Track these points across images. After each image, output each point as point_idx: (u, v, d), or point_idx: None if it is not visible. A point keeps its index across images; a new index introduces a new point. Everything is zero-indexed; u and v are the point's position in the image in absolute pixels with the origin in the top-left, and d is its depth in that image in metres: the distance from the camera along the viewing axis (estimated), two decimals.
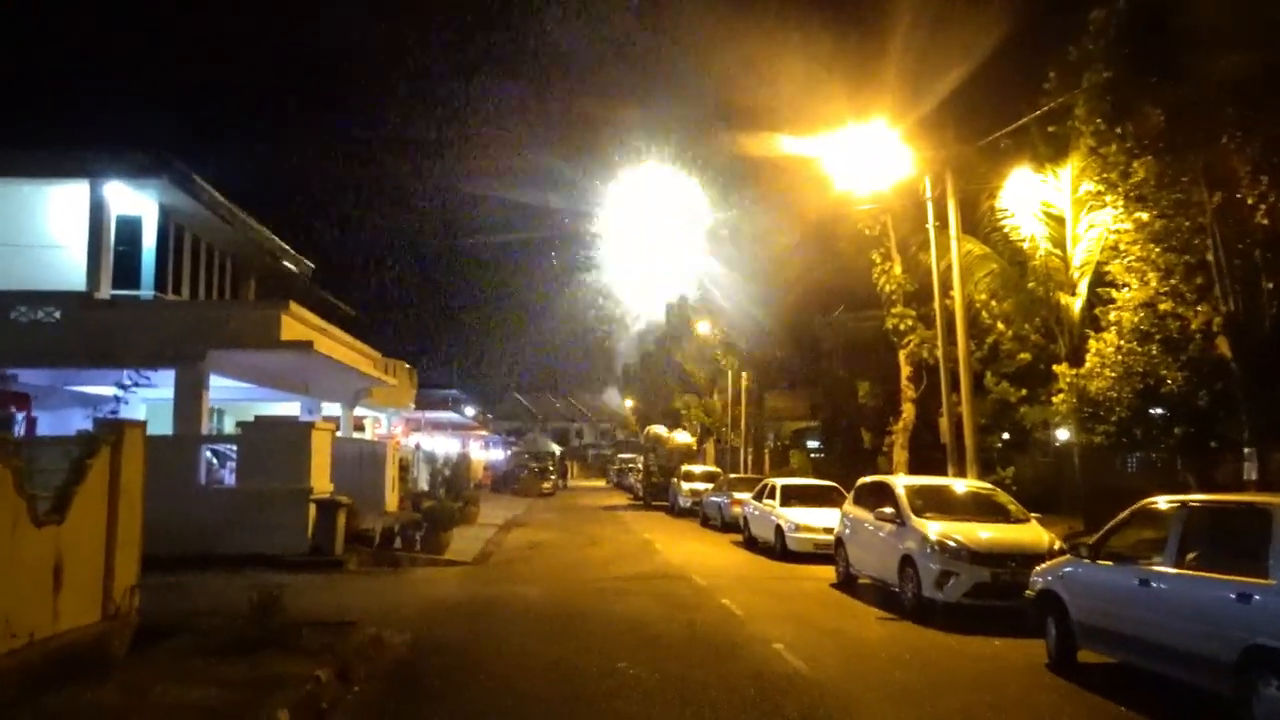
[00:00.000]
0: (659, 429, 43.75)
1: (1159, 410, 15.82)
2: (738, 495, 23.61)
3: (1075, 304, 17.83)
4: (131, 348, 15.77)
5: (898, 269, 22.27)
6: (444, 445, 41.64)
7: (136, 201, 18.91)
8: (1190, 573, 7.20)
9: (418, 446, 33.45)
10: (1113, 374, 15.41)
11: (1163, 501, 8.12)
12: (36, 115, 61.79)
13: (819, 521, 17.24)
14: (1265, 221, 13.30)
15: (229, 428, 23.68)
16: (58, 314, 16.91)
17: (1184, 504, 7.80)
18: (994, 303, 19.25)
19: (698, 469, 34.58)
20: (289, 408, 22.96)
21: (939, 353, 18.89)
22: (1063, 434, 21.03)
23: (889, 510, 12.73)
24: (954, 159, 18.07)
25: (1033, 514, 12.93)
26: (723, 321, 35.51)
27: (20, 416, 17.45)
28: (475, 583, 14.30)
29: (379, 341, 28.41)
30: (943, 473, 17.68)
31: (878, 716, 7.33)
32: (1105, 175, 15.11)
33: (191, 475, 15.44)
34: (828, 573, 15.03)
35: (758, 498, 20.67)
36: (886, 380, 25.02)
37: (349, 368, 21.38)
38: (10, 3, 56.01)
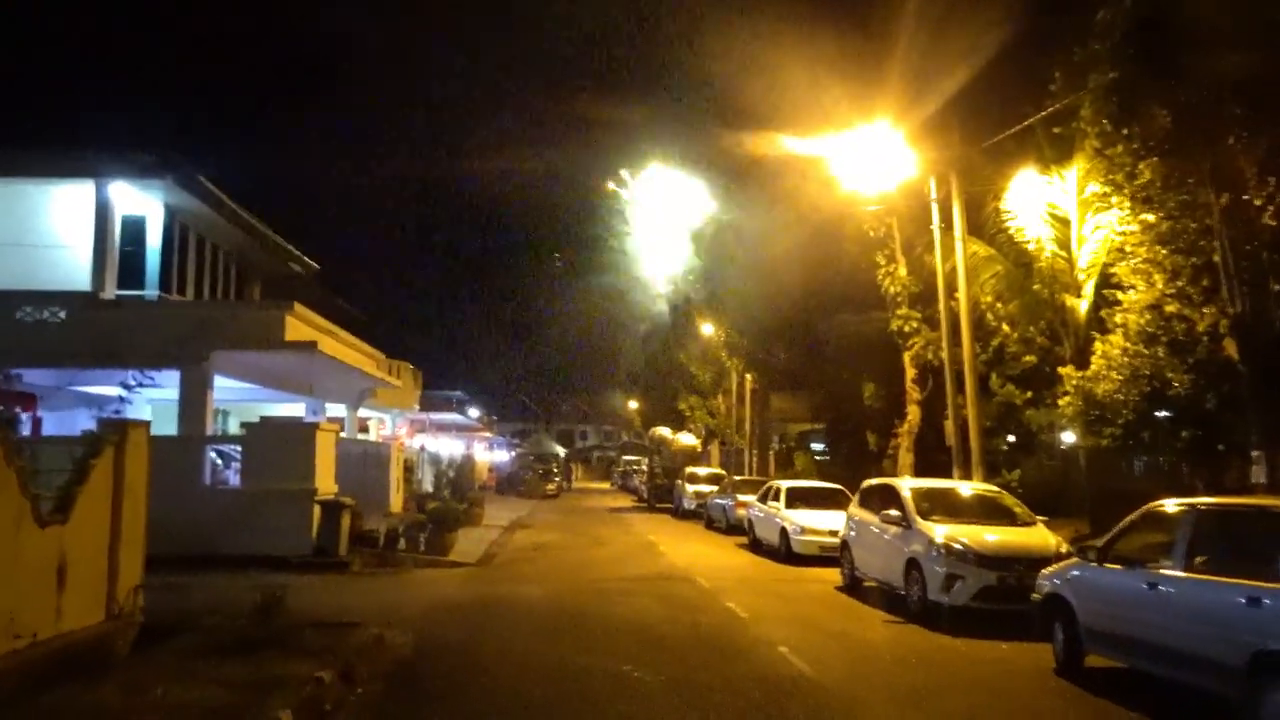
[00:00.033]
0: (663, 431, 43.71)
1: (1165, 413, 15.76)
2: (742, 497, 23.56)
3: (1081, 306, 17.76)
4: (136, 348, 15.79)
5: (903, 270, 22.20)
6: (448, 447, 41.61)
7: (142, 201, 18.94)
8: (1199, 576, 7.15)
9: (422, 448, 33.43)
10: (1119, 376, 15.35)
11: (1170, 504, 8.06)
12: (37, 115, 62.03)
13: (824, 524, 17.20)
14: (1273, 222, 13.24)
15: (234, 428, 23.69)
16: (63, 314, 16.94)
17: (1192, 507, 7.74)
18: (999, 305, 19.19)
19: (702, 471, 34.53)
20: (294, 409, 22.97)
21: (944, 355, 18.83)
22: (1068, 437, 20.96)
23: (894, 513, 12.68)
24: (959, 160, 18.02)
25: (1039, 517, 12.87)
26: (727, 323, 35.45)
27: (26, 417, 17.48)
28: (479, 584, 14.28)
29: (383, 342, 28.42)
30: (948, 475, 17.62)
31: None
32: (1111, 177, 15.06)
33: (196, 476, 15.43)
34: (833, 575, 14.99)
35: (762, 500, 20.62)
36: (891, 382, 24.95)
37: (353, 369, 21.39)
38: (10, 3, 56.17)
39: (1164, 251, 14.39)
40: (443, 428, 45.68)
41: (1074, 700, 8.00)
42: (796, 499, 19.15)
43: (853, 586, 14.08)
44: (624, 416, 76.41)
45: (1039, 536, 11.89)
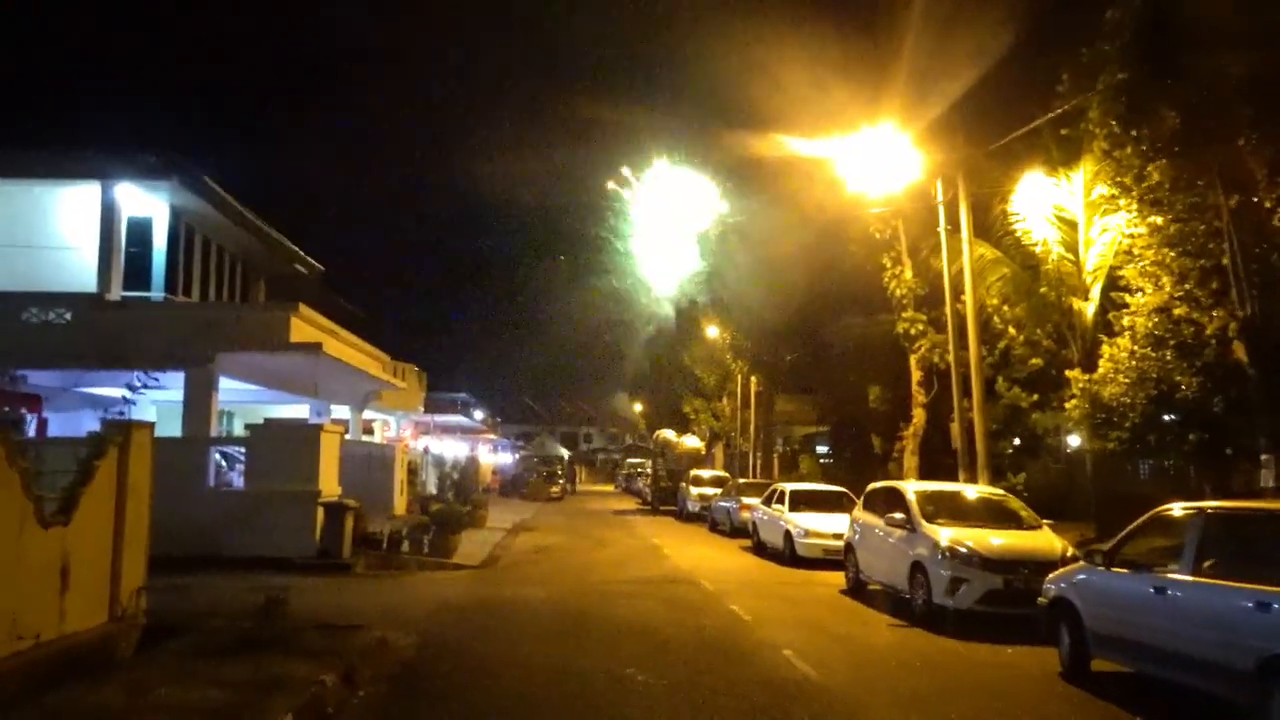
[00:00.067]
0: (668, 433, 43.70)
1: (1172, 416, 15.67)
2: (746, 500, 23.52)
3: (1088, 309, 17.70)
4: (141, 349, 15.79)
5: (909, 273, 22.15)
6: (452, 449, 41.61)
7: (147, 203, 18.97)
8: (1207, 581, 7.09)
9: (426, 450, 33.45)
10: (1126, 379, 15.28)
11: (1179, 508, 8.01)
12: (38, 115, 62.19)
13: (828, 527, 17.15)
14: None
15: (238, 430, 23.69)
16: (68, 315, 16.96)
17: (1201, 511, 7.68)
18: (1006, 307, 19.13)
19: (706, 474, 34.50)
20: (298, 410, 22.98)
21: (950, 358, 18.78)
22: (1074, 440, 20.89)
23: (899, 516, 12.63)
24: (965, 162, 17.96)
25: (1045, 520, 12.81)
26: (732, 325, 35.42)
27: (31, 418, 17.50)
28: (483, 586, 14.25)
29: (388, 344, 28.44)
30: (953, 478, 17.56)
31: None
32: (1119, 178, 14.99)
33: (200, 477, 15.44)
34: (837, 578, 14.94)
35: (766, 503, 20.58)
36: (896, 385, 24.88)
37: (358, 370, 21.38)
38: (10, 2, 56.36)
39: (1172, 254, 14.32)
40: (447, 430, 45.68)
41: (1081, 705, 7.94)
42: (801, 502, 19.10)
43: (857, 590, 14.03)
44: (628, 419, 76.38)
45: (1045, 540, 11.84)
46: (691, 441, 43.45)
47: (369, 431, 31.16)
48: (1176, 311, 14.53)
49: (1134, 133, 14.26)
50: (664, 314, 46.12)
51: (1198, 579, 7.19)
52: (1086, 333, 17.65)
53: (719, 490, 29.37)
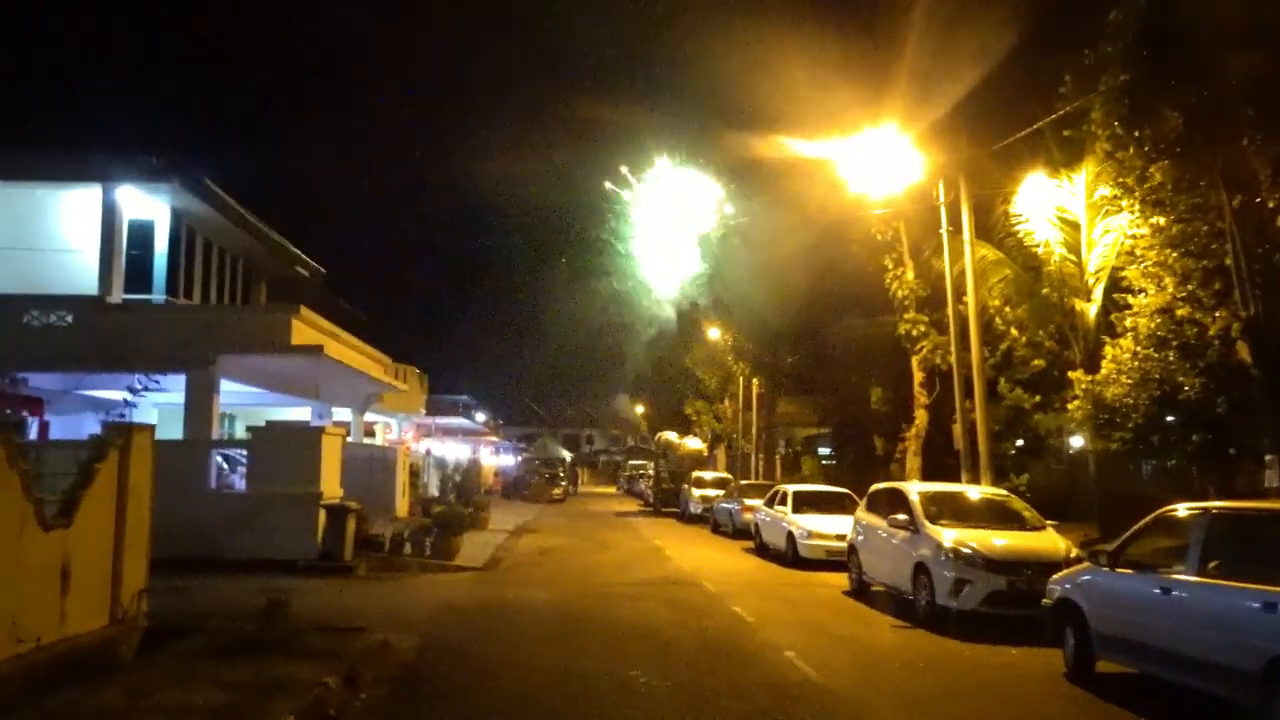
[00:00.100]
0: (670, 435, 43.66)
1: (1175, 417, 15.64)
2: (749, 501, 23.49)
3: (1090, 310, 17.67)
4: (143, 352, 15.78)
5: (910, 274, 22.12)
6: (454, 451, 41.59)
7: (149, 205, 18.96)
8: (1213, 581, 7.06)
9: (428, 452, 33.45)
10: (1129, 380, 15.25)
11: (1183, 509, 7.98)
12: (37, 115, 62.19)
13: (831, 528, 17.11)
14: None
15: (240, 432, 23.69)
16: (70, 318, 16.93)
17: (1205, 511, 7.65)
18: (1008, 309, 19.09)
19: (708, 475, 34.49)
20: (300, 413, 22.97)
21: (952, 359, 18.75)
22: (1077, 441, 20.86)
23: (903, 517, 12.60)
24: (967, 163, 17.94)
25: (1048, 521, 12.77)
26: (733, 327, 35.41)
27: (33, 421, 17.50)
28: (485, 588, 14.23)
29: (389, 346, 28.41)
30: (956, 480, 17.53)
31: None
32: (1121, 179, 14.96)
33: (201, 479, 15.42)
34: (840, 580, 14.91)
35: (769, 504, 20.54)
36: (898, 386, 24.85)
37: (360, 373, 21.37)
38: (10, 3, 56.39)
39: (1175, 255, 14.29)
40: (449, 432, 45.68)
41: (1085, 706, 7.91)
42: (803, 503, 19.07)
43: (860, 591, 14.00)
44: (630, 421, 76.38)
45: (1048, 541, 11.80)
46: (693, 443, 43.41)
47: (370, 434, 31.15)
48: (1179, 312, 14.50)
49: (1136, 134, 14.23)
50: (665, 316, 46.12)
51: (1203, 580, 7.16)
52: (1089, 334, 17.62)
53: (721, 492, 29.34)
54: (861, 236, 22.97)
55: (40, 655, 6.60)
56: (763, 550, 20.27)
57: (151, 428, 8.88)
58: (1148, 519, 8.37)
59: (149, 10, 79.20)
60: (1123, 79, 14.22)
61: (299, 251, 25.03)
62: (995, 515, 12.66)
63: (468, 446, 46.54)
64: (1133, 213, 15.07)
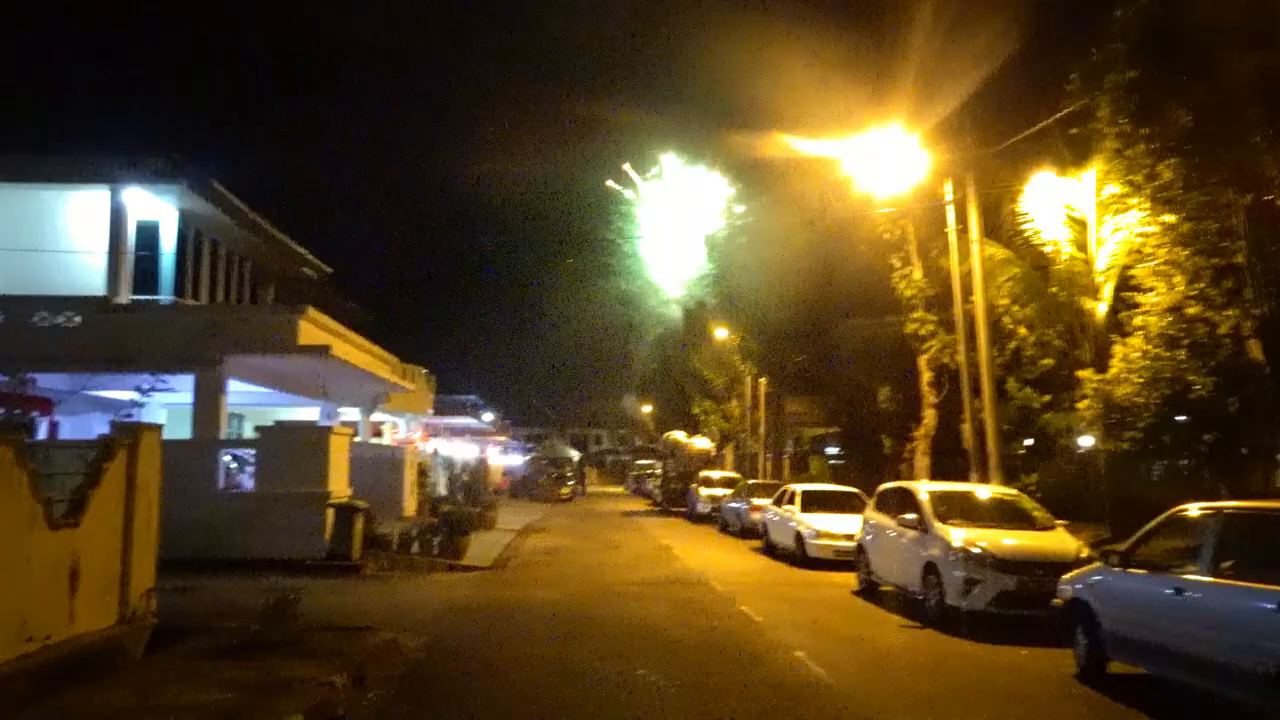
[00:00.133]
0: (677, 434, 43.65)
1: (1185, 417, 15.55)
2: (757, 501, 23.45)
3: (1099, 308, 17.55)
4: (151, 352, 15.81)
5: (918, 273, 22.03)
6: (462, 450, 41.66)
7: (156, 206, 19.03)
8: (1226, 582, 7.00)
9: (436, 451, 33.47)
10: (1139, 379, 15.15)
11: (1196, 509, 7.91)
12: (43, 117, 62.42)
13: (840, 528, 17.06)
14: None
15: (248, 432, 23.74)
16: (78, 319, 17.00)
17: (1218, 511, 7.59)
18: (1016, 308, 18.98)
19: (716, 475, 34.44)
20: (308, 412, 23.02)
21: (960, 358, 18.67)
22: (1087, 441, 20.74)
23: (912, 516, 12.55)
24: (975, 162, 17.85)
25: (1059, 521, 12.70)
26: (740, 327, 35.35)
27: (43, 421, 17.53)
28: (492, 587, 14.23)
29: (397, 346, 28.45)
30: (964, 479, 17.44)
31: None
32: (1130, 177, 14.89)
33: (209, 479, 15.45)
34: (849, 580, 14.86)
35: (777, 504, 20.50)
36: (906, 386, 24.74)
37: (367, 372, 21.39)
38: (11, 3, 56.59)
39: (1185, 253, 14.20)
40: (456, 432, 45.75)
41: (1097, 707, 7.85)
42: (812, 503, 19.02)
43: (869, 591, 13.95)
44: (638, 420, 76.33)
45: (1059, 540, 11.74)
46: (701, 443, 43.37)
47: (378, 434, 31.19)
48: (1189, 311, 14.40)
49: (1145, 131, 14.17)
50: (672, 316, 46.15)
51: (1216, 580, 7.09)
52: (1098, 333, 17.50)
53: (729, 491, 29.29)
54: (868, 236, 22.88)
55: (49, 654, 6.61)
56: (771, 550, 20.23)
57: (159, 427, 8.89)
58: (1159, 519, 8.31)
59: (153, 12, 79.49)
60: (1130, 76, 14.16)
61: (306, 252, 25.09)
62: (1005, 515, 12.59)
63: (475, 446, 46.60)
64: (1142, 210, 14.98)
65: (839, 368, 29.55)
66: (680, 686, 7.97)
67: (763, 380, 36.34)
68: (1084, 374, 16.79)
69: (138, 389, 11.32)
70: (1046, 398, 20.65)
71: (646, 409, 68.03)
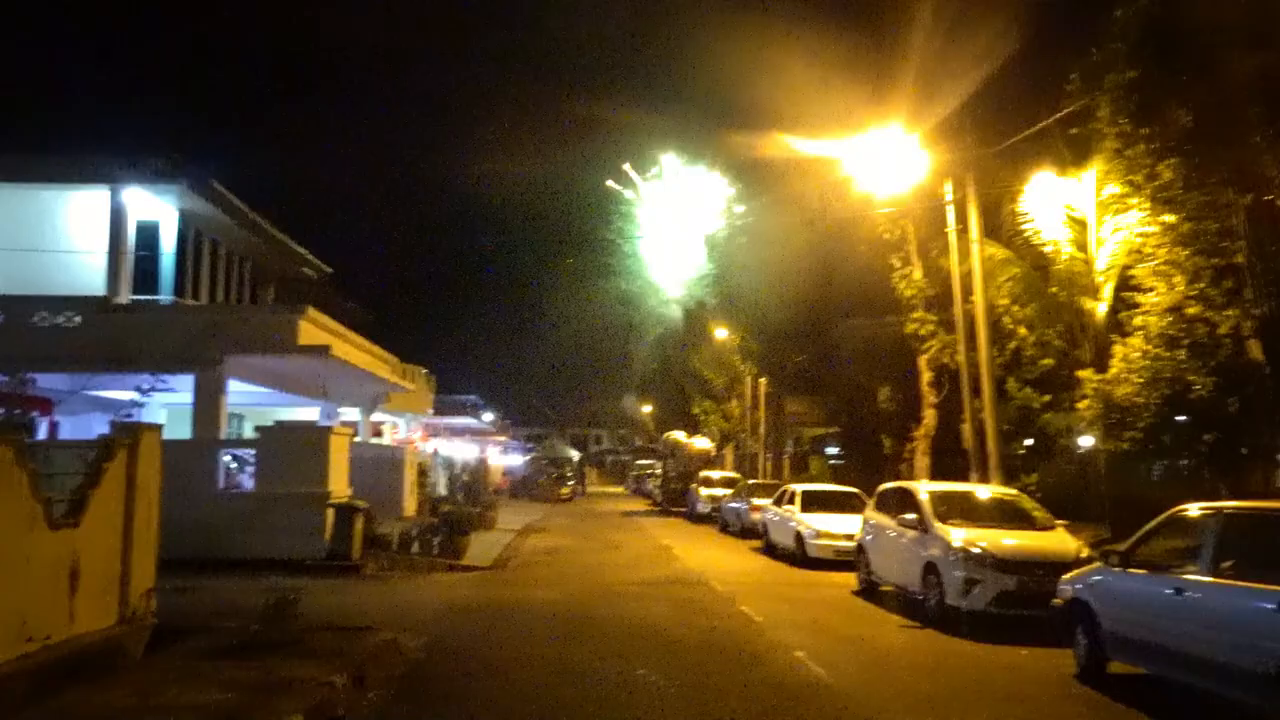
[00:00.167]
0: (677, 434, 43.64)
1: (1186, 416, 15.54)
2: (757, 501, 23.45)
3: (1099, 308, 17.54)
4: (151, 352, 15.81)
5: (918, 273, 22.03)
6: (462, 450, 41.66)
7: (156, 207, 19.03)
8: (1226, 582, 7.00)
9: (436, 451, 33.47)
10: (1139, 379, 15.14)
11: (1196, 508, 7.91)
12: (42, 117, 62.41)
13: (840, 528, 17.05)
14: None
15: (248, 432, 23.74)
16: (78, 319, 17.00)
17: (1219, 511, 7.59)
18: (1016, 308, 18.98)
19: (716, 475, 34.44)
20: (308, 412, 23.02)
21: (960, 358, 18.66)
22: (1087, 441, 20.74)
23: (912, 516, 12.55)
24: (975, 162, 17.84)
25: (1059, 521, 12.70)
26: (740, 327, 35.35)
27: (43, 421, 17.52)
28: (492, 587, 14.22)
29: (397, 346, 28.46)
30: (965, 479, 17.44)
31: None
32: (1130, 177, 14.88)
33: (209, 479, 15.45)
34: (849, 580, 14.86)
35: (777, 503, 20.50)
36: (906, 386, 24.74)
37: (367, 372, 21.39)
38: (11, 3, 56.60)
39: (1185, 253, 14.20)
40: (456, 432, 45.75)
41: (1097, 707, 7.85)
42: (812, 502, 19.02)
43: (869, 591, 13.95)
44: (638, 420, 76.34)
45: (1059, 540, 11.74)
46: (701, 443, 43.36)
47: (378, 434, 31.19)
48: (1190, 311, 14.40)
49: (1145, 131, 14.16)
50: (672, 316, 46.16)
51: (1216, 580, 7.09)
52: (1098, 333, 17.50)
53: (729, 491, 29.28)
54: (868, 235, 22.88)
55: (49, 654, 6.61)
56: (771, 550, 20.22)
57: (159, 427, 8.89)
58: (1160, 519, 8.31)
59: (151, 11, 79.48)
60: (1130, 76, 14.15)
61: (306, 252, 25.10)
62: (1005, 515, 12.59)
63: (475, 446, 46.60)
64: (1142, 210, 14.98)
65: (839, 368, 29.55)
66: (680, 686, 7.97)
67: (763, 380, 36.34)
68: (1084, 374, 16.79)
69: (138, 389, 11.32)
70: (1046, 398, 20.65)
71: (646, 409, 68.04)
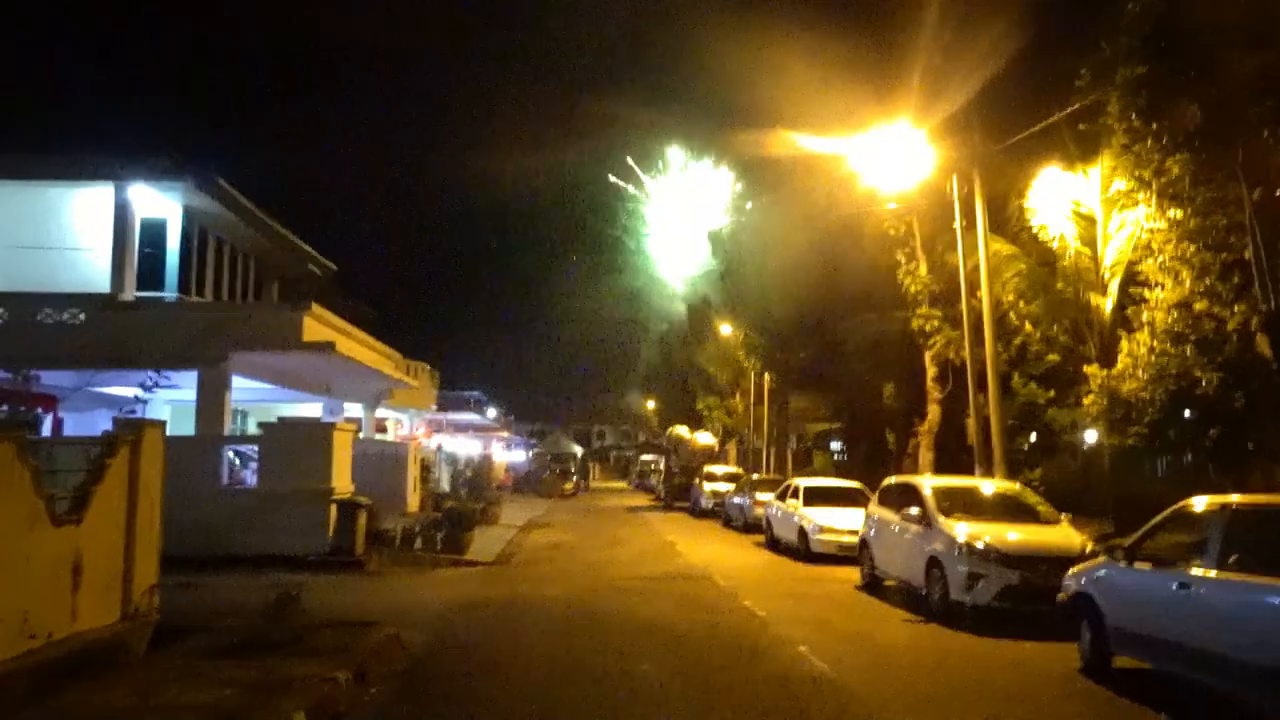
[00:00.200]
0: (681, 430, 43.56)
1: (1191, 412, 15.48)
2: (760, 496, 23.41)
3: (1106, 304, 17.50)
4: (155, 349, 15.82)
5: (923, 269, 21.99)
6: (465, 446, 41.69)
7: (161, 204, 19.03)
8: (1232, 577, 6.95)
9: (439, 447, 33.49)
10: (1145, 375, 15.10)
11: (1202, 503, 7.85)
12: (47, 115, 62.58)
13: (843, 523, 17.01)
14: None
15: (252, 428, 23.77)
16: (82, 316, 17.02)
17: (1225, 505, 7.54)
18: (1022, 303, 18.93)
19: (720, 470, 34.40)
20: (311, 409, 23.03)
21: (965, 354, 18.61)
22: (1092, 436, 20.69)
23: (915, 511, 12.51)
24: (981, 158, 17.78)
25: (1063, 515, 12.66)
26: (745, 323, 35.31)
27: (47, 417, 17.57)
28: (496, 583, 14.22)
29: (400, 343, 28.47)
30: (969, 475, 17.39)
31: None
32: (1138, 173, 14.81)
33: (213, 476, 15.47)
34: (852, 574, 14.83)
35: (780, 498, 20.47)
36: (911, 382, 24.71)
37: (371, 369, 21.39)
38: (10, 2, 56.67)
39: (1192, 248, 14.14)
40: (460, 428, 45.80)
41: (1102, 702, 7.81)
42: (815, 497, 18.98)
43: (872, 586, 13.91)
44: (641, 416, 76.37)
45: (1063, 535, 11.69)
46: (705, 438, 43.30)
47: (382, 430, 31.23)
48: (1197, 306, 14.34)
49: (1154, 126, 14.07)
50: (677, 312, 46.13)
51: (1222, 574, 7.05)
52: (1104, 328, 17.45)
53: (732, 486, 29.25)
54: (874, 232, 22.84)
55: (52, 651, 6.61)
56: (774, 545, 20.20)
57: (163, 424, 8.89)
58: (1166, 513, 8.26)
59: (151, 11, 79.52)
60: (1139, 72, 14.06)
61: (310, 249, 25.09)
62: (1009, 509, 12.54)
63: (479, 442, 46.64)
64: (1149, 206, 14.92)
65: (843, 363, 29.49)
66: (684, 682, 7.95)
67: (767, 376, 36.30)
68: (1090, 369, 16.75)
69: (141, 385, 11.34)
70: (1051, 393, 20.62)
71: (650, 405, 68.05)
